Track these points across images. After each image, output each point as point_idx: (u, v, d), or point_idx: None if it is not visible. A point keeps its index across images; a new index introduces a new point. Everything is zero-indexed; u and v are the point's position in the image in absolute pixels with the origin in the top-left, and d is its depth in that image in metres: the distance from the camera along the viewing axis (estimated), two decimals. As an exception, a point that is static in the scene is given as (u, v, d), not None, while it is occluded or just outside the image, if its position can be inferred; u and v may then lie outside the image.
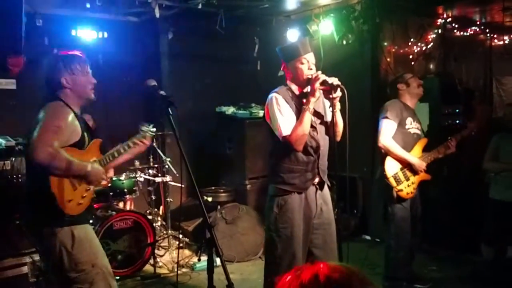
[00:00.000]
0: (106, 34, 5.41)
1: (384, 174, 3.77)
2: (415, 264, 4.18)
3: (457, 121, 5.13)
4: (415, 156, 3.84)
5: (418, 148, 3.91)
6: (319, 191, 3.09)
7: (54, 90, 2.66)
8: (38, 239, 2.65)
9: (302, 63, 2.99)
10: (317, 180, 3.07)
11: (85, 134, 2.66)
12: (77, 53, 2.73)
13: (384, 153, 3.81)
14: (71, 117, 2.57)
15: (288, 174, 3.00)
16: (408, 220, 3.84)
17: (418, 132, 3.94)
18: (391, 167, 3.79)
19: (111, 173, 3.54)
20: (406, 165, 3.81)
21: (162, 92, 2.19)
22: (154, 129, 2.98)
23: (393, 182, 3.77)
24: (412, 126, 3.88)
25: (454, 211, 4.95)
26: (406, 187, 3.81)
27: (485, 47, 5.84)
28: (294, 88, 3.08)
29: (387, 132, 3.76)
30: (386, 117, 3.76)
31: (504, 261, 4.26)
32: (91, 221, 3.10)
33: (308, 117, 2.91)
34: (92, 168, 2.62)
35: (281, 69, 3.12)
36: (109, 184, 4.00)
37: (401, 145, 3.79)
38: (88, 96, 2.72)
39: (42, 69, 2.69)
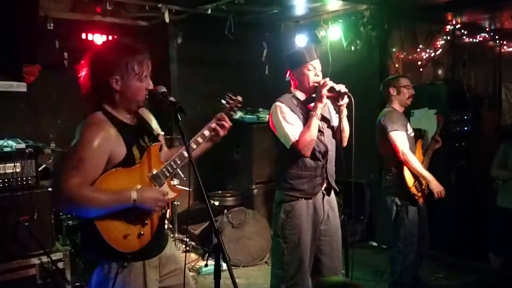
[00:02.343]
0: (115, 38, 5.45)
1: (405, 184, 3.74)
2: (422, 271, 4.16)
3: (466, 128, 5.11)
4: (425, 170, 3.82)
5: (418, 151, 3.93)
6: (326, 197, 3.10)
7: (98, 92, 2.13)
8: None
9: (308, 70, 3.00)
10: (325, 185, 3.07)
11: (134, 147, 2.13)
12: (138, 46, 2.20)
13: (395, 162, 3.78)
14: (104, 137, 2.03)
15: (297, 180, 3.01)
16: (416, 224, 3.84)
17: (413, 134, 3.97)
18: (410, 177, 3.77)
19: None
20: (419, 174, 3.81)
21: (171, 99, 2.12)
22: (240, 99, 2.53)
23: (415, 190, 3.76)
24: (410, 130, 3.91)
25: (461, 218, 4.93)
26: (423, 193, 3.83)
27: (494, 54, 5.82)
28: (299, 95, 3.09)
29: (404, 144, 3.72)
30: (396, 130, 3.73)
31: (511, 269, 4.22)
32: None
33: (315, 123, 2.91)
34: (139, 196, 2.04)
35: (286, 76, 3.12)
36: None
37: None
38: (139, 103, 2.19)
39: (87, 64, 2.16)
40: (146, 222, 2.12)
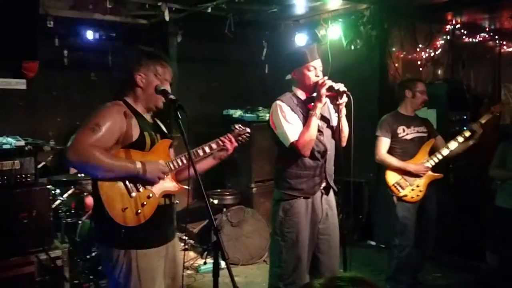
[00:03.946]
0: (115, 36, 5.46)
1: (386, 183, 3.91)
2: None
3: (465, 128, 5.11)
4: (418, 161, 3.89)
5: (423, 151, 3.95)
6: (324, 196, 3.10)
7: (123, 86, 2.39)
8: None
9: (309, 70, 3.00)
10: (324, 184, 3.08)
11: (147, 133, 2.33)
12: (162, 56, 2.45)
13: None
14: (122, 114, 2.25)
15: (296, 179, 3.01)
16: (412, 219, 3.88)
17: (420, 135, 3.99)
18: (392, 176, 3.90)
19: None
20: (406, 172, 3.88)
21: (171, 96, 2.20)
22: (249, 130, 2.79)
23: (395, 190, 3.87)
24: (406, 132, 3.95)
25: (460, 218, 4.94)
26: (410, 191, 3.87)
27: (493, 54, 5.83)
28: (300, 93, 3.09)
29: (381, 148, 3.93)
30: (377, 136, 3.95)
31: (509, 269, 4.23)
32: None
33: (315, 123, 2.92)
34: (143, 164, 2.22)
35: (292, 75, 3.11)
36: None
37: (400, 154, 3.91)
38: (157, 104, 2.41)
39: (118, 60, 2.53)
40: (145, 203, 2.26)
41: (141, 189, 2.27)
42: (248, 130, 2.78)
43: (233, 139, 2.66)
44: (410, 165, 3.87)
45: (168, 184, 2.39)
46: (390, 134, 3.93)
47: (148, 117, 2.44)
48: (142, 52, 2.41)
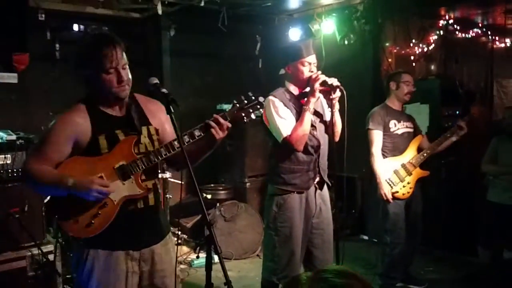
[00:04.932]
0: (108, 30, 5.41)
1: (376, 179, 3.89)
2: (412, 265, 4.21)
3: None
4: (409, 155, 3.91)
5: (412, 147, 3.95)
6: (318, 191, 3.11)
7: (84, 84, 2.19)
8: None
9: (303, 65, 3.00)
10: (317, 179, 3.08)
11: (103, 136, 2.14)
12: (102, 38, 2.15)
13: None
14: (68, 123, 2.12)
15: (289, 174, 3.02)
16: (401, 216, 3.90)
17: (409, 130, 4.00)
18: (384, 172, 3.88)
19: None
20: (400, 166, 3.88)
21: (164, 90, 2.09)
22: (262, 99, 2.27)
23: (386, 186, 3.85)
24: (398, 127, 3.94)
25: (451, 212, 4.97)
26: (402, 188, 3.88)
27: (486, 49, 5.83)
28: (293, 88, 3.09)
29: (376, 141, 3.89)
30: (369, 129, 3.91)
31: (500, 264, 4.27)
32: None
33: (308, 117, 2.92)
34: (74, 182, 2.03)
35: (285, 68, 3.10)
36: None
37: (390, 149, 3.91)
38: (116, 94, 2.15)
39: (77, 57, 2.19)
40: (99, 213, 2.12)
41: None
42: (262, 99, 2.27)
43: (220, 119, 2.18)
44: (381, 183, 3.82)
45: (129, 188, 2.16)
46: (382, 127, 3.91)
47: (116, 110, 2.22)
48: (84, 44, 2.19)
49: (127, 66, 2.17)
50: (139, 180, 2.19)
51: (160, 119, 2.33)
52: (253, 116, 2.25)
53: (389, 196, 3.83)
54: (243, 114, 2.24)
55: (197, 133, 2.19)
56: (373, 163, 3.88)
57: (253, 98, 2.26)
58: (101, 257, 2.17)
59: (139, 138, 2.22)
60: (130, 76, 2.19)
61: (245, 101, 2.24)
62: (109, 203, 2.13)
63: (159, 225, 2.36)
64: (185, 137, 2.17)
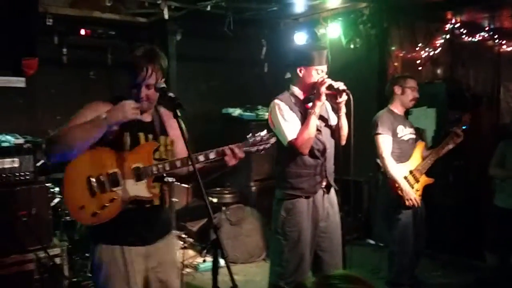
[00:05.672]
0: (114, 35, 5.44)
1: (392, 181, 3.75)
2: (419, 269, 4.18)
3: (464, 127, 5.11)
4: (415, 162, 3.84)
5: (417, 154, 3.90)
6: (326, 195, 3.10)
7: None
8: None
9: (317, 73, 2.99)
10: (324, 183, 3.08)
11: (128, 133, 2.24)
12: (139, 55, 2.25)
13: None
14: (100, 109, 2.18)
15: (296, 179, 3.02)
16: (411, 226, 3.83)
17: (414, 136, 3.93)
18: (399, 172, 3.77)
19: None
20: (409, 173, 3.80)
21: (171, 94, 2.15)
22: (273, 141, 2.43)
23: (411, 191, 3.73)
24: (404, 133, 3.86)
25: (459, 217, 4.94)
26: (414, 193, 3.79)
27: (493, 53, 5.81)
28: (298, 93, 3.09)
29: (385, 147, 3.74)
30: (379, 133, 3.75)
31: (507, 268, 4.24)
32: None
33: (314, 121, 2.92)
34: (108, 113, 2.11)
35: (297, 71, 3.06)
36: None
37: (398, 155, 3.80)
38: (150, 100, 2.29)
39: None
40: (106, 205, 2.17)
41: (108, 190, 2.17)
42: (273, 140, 2.42)
43: (236, 150, 2.32)
44: (406, 188, 3.69)
45: (140, 190, 2.24)
46: (392, 132, 3.79)
47: (143, 117, 2.31)
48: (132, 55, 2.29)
49: (154, 87, 2.24)
50: (151, 184, 2.28)
51: (176, 135, 2.36)
52: (262, 148, 2.41)
53: (419, 200, 3.73)
54: (255, 149, 2.39)
55: (211, 155, 2.31)
56: (388, 168, 3.71)
57: (266, 136, 2.40)
58: (109, 252, 2.25)
59: (159, 146, 2.33)
60: (154, 97, 2.28)
61: (258, 138, 2.38)
62: (117, 198, 2.19)
63: (163, 223, 2.45)
64: (200, 156, 2.28)
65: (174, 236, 2.59)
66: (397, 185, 3.71)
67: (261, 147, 2.39)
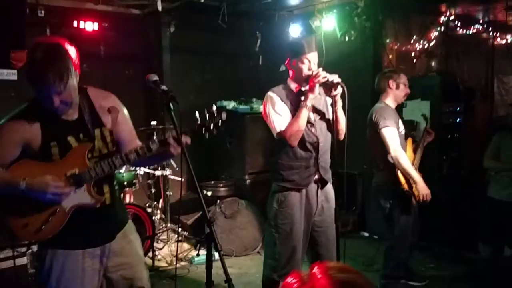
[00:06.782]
0: (108, 26, 5.40)
1: (398, 181, 3.67)
2: (412, 261, 4.20)
3: (458, 120, 5.13)
4: (410, 157, 3.82)
5: (409, 149, 3.90)
6: (320, 188, 3.10)
7: None
8: None
9: (303, 63, 2.99)
10: (317, 176, 3.07)
11: (54, 143, 2.08)
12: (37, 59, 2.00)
13: (386, 159, 3.67)
14: (15, 128, 2.07)
15: (288, 171, 3.02)
16: (411, 221, 3.83)
17: (405, 131, 3.92)
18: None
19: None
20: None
21: (163, 87, 2.10)
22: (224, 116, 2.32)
23: (408, 188, 3.69)
24: (402, 128, 3.84)
25: (452, 209, 4.96)
26: (415, 190, 3.73)
27: (487, 46, 5.83)
28: (293, 86, 3.09)
29: (395, 141, 3.62)
30: (388, 126, 3.63)
31: (500, 260, 4.27)
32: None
33: (304, 114, 2.92)
34: (29, 180, 1.98)
35: (285, 64, 3.11)
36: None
37: None
38: (52, 108, 2.06)
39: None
40: (49, 219, 2.08)
41: (46, 205, 2.06)
42: (224, 116, 2.33)
43: (170, 139, 2.20)
44: (421, 182, 3.61)
45: (81, 197, 2.13)
46: (396, 125, 3.70)
47: (69, 115, 2.15)
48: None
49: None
50: (91, 189, 2.16)
51: (114, 116, 2.26)
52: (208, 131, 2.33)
53: (429, 196, 3.66)
54: (201, 128, 2.31)
55: (154, 147, 2.17)
56: (402, 162, 3.57)
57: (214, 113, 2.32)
58: (59, 257, 2.16)
59: (93, 145, 2.18)
60: (70, 96, 2.10)
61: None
62: (60, 210, 2.09)
63: (116, 219, 2.34)
64: (154, 145, 2.16)
65: (132, 227, 2.44)
66: (410, 179, 3.64)
67: (209, 125, 2.34)
